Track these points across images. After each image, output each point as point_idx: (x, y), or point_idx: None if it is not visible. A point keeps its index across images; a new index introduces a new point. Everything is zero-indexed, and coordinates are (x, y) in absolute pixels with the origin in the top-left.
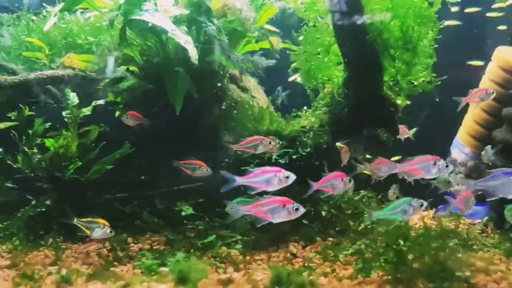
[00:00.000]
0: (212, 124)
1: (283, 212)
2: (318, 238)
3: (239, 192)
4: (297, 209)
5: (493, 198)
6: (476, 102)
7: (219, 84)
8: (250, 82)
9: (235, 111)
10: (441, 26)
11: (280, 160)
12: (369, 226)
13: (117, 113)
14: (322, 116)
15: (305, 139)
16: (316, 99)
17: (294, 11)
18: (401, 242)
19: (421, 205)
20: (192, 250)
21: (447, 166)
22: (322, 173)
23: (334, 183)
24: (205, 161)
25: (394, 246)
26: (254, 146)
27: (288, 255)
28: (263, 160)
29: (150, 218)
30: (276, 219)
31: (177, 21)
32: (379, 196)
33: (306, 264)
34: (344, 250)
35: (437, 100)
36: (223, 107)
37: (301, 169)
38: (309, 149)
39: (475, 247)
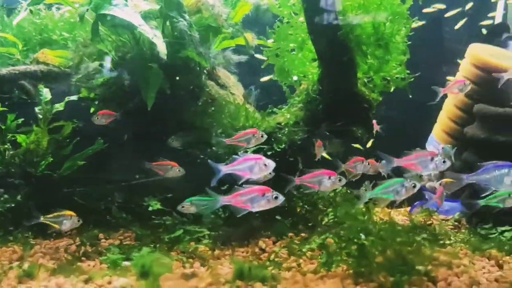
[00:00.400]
0: (188, 120)
1: (262, 201)
2: (290, 234)
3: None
4: (276, 198)
5: (487, 193)
6: (455, 93)
7: (195, 80)
8: (230, 79)
9: (212, 108)
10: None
11: None
12: (331, 220)
13: (92, 109)
14: (297, 112)
15: (280, 135)
16: (292, 96)
17: (269, 7)
18: (362, 236)
19: (414, 186)
20: (159, 245)
21: (444, 161)
22: (298, 169)
23: (321, 180)
24: (180, 157)
25: (355, 240)
26: (247, 140)
27: (257, 250)
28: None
29: (118, 214)
30: (256, 208)
31: (148, 16)
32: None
33: (271, 259)
34: (309, 244)
35: (410, 97)
36: (199, 103)
37: (276, 165)
38: (283, 145)
39: (446, 242)
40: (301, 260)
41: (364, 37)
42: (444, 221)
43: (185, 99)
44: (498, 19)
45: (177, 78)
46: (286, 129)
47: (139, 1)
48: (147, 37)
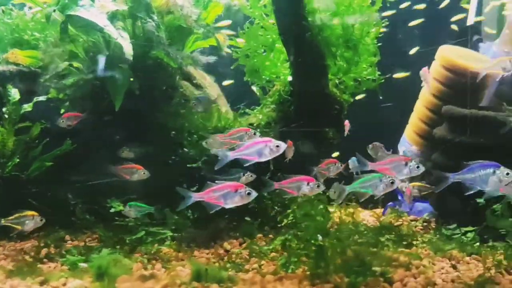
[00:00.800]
0: (160, 121)
1: (235, 197)
2: (259, 235)
3: None
4: (249, 194)
5: (471, 192)
6: None
7: (168, 81)
8: (206, 79)
9: (184, 109)
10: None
11: None
12: (290, 221)
13: (62, 110)
14: (270, 113)
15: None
16: (265, 97)
17: (240, 8)
18: (319, 237)
19: (392, 183)
20: (122, 247)
21: (418, 167)
22: (269, 170)
23: (300, 186)
24: (152, 158)
25: (312, 241)
26: (239, 137)
27: (222, 251)
28: (211, 158)
29: (82, 215)
30: (229, 204)
31: (116, 17)
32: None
33: (233, 260)
34: (269, 246)
35: (381, 97)
36: (172, 104)
37: (247, 166)
38: None
39: (413, 242)
40: (263, 262)
41: (333, 38)
42: (413, 222)
43: (158, 100)
44: (470, 22)
45: (149, 78)
46: (258, 129)
47: (106, 2)
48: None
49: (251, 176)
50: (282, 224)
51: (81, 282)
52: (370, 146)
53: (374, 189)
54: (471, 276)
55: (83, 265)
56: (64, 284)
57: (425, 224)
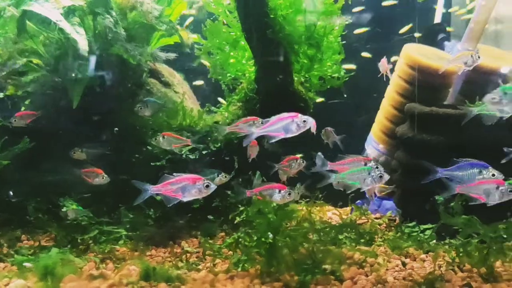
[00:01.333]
0: (123, 118)
1: (193, 189)
2: (222, 234)
3: None
4: (207, 186)
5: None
6: None
7: (133, 78)
8: (175, 77)
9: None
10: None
11: (190, 156)
12: (242, 219)
13: (23, 108)
14: (236, 111)
15: (216, 134)
16: (231, 94)
17: (204, 5)
18: (270, 236)
19: (381, 177)
20: (74, 246)
21: (377, 167)
22: (234, 168)
23: (271, 194)
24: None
25: (263, 240)
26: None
27: (180, 250)
28: (175, 157)
29: (33, 214)
30: (187, 197)
31: (72, 12)
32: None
33: (187, 259)
34: (221, 244)
35: (345, 96)
36: (137, 101)
37: (211, 164)
38: (219, 144)
39: (375, 240)
40: (218, 260)
41: (296, 36)
42: (377, 219)
43: (122, 97)
44: (437, 20)
45: (113, 75)
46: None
47: None
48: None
49: (225, 177)
50: (235, 222)
51: (24, 282)
52: (323, 131)
53: (361, 181)
54: (423, 273)
55: (27, 264)
56: (7, 285)
57: (390, 221)
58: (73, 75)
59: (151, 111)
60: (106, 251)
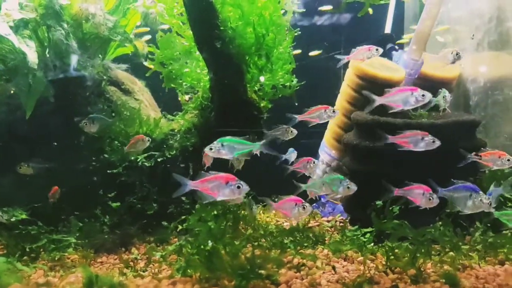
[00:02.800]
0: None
1: (226, 189)
2: (176, 240)
3: None
4: (238, 187)
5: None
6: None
7: (92, 87)
8: (136, 84)
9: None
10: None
11: (145, 163)
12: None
13: None
14: (193, 119)
15: (172, 142)
16: (187, 103)
17: (157, 16)
18: (209, 243)
19: (349, 188)
20: (23, 255)
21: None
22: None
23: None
24: (71, 164)
25: (202, 247)
26: (319, 115)
27: (130, 257)
28: (132, 164)
29: None
30: (221, 197)
31: (22, 25)
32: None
33: (130, 266)
34: (164, 251)
35: (296, 104)
36: (94, 110)
37: (166, 171)
38: (175, 151)
39: (320, 243)
40: (164, 266)
41: (246, 47)
42: (329, 222)
43: (80, 106)
44: (387, 30)
45: (69, 86)
46: (178, 135)
47: (12, 10)
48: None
49: None
50: (178, 230)
51: None
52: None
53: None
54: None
55: None
56: None
57: (341, 225)
58: (26, 86)
59: (97, 127)
60: (56, 258)
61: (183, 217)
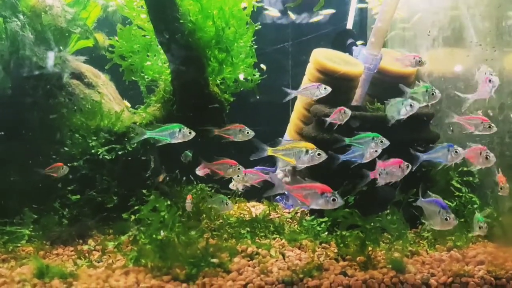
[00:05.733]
0: (41, 119)
1: (320, 200)
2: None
3: None
4: (334, 200)
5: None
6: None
7: (52, 80)
8: (100, 78)
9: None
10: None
11: (106, 156)
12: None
13: None
14: (155, 112)
15: (133, 135)
16: (149, 96)
17: (117, 8)
18: (161, 233)
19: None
20: None
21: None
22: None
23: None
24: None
25: (154, 236)
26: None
27: (86, 248)
28: (92, 157)
29: None
30: (314, 206)
31: None
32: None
33: (84, 256)
34: (117, 241)
35: (258, 97)
36: (55, 103)
37: (128, 164)
38: (136, 144)
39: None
40: (120, 257)
41: (206, 40)
42: (288, 214)
43: (40, 99)
44: (349, 26)
45: (29, 78)
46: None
47: None
48: None
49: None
50: (131, 220)
51: None
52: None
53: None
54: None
55: None
56: None
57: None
58: None
59: None
60: (10, 250)
61: (136, 207)
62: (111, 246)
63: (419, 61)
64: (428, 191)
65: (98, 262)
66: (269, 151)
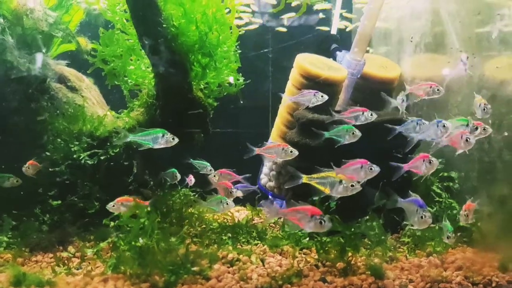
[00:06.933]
0: (23, 123)
1: (311, 222)
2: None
3: None
4: (321, 223)
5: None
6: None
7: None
8: (84, 81)
9: (47, 112)
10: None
11: (88, 161)
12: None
13: None
14: (138, 117)
15: (115, 139)
16: (132, 100)
17: (100, 12)
18: (140, 240)
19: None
20: None
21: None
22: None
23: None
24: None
25: (133, 243)
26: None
27: (66, 255)
28: (74, 162)
29: None
30: (307, 229)
31: None
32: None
33: (62, 264)
34: (97, 247)
35: (242, 102)
36: (37, 107)
37: (110, 170)
38: (118, 149)
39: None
40: (99, 264)
41: (189, 45)
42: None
43: (21, 103)
44: (333, 31)
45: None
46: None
47: None
48: None
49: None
50: (110, 227)
51: None
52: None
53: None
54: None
55: None
56: None
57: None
58: None
59: None
60: None
61: (115, 213)
62: (90, 253)
63: (437, 90)
64: (409, 191)
65: (77, 270)
66: (304, 178)
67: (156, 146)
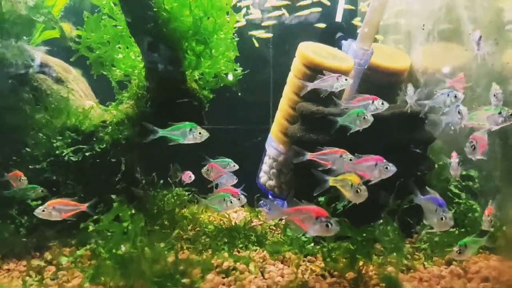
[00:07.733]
0: (2, 116)
1: (316, 225)
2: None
3: None
4: (327, 226)
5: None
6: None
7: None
8: (71, 73)
9: (28, 105)
10: None
11: (72, 158)
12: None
13: None
14: (127, 110)
15: (102, 134)
16: (121, 92)
17: None
18: (122, 248)
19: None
20: None
21: None
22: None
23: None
24: None
25: (114, 251)
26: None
27: (43, 263)
28: (57, 158)
29: None
30: (312, 233)
31: None
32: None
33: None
34: (73, 255)
35: (240, 94)
36: (17, 99)
37: (95, 167)
38: (105, 145)
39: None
40: (78, 273)
41: (182, 31)
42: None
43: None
44: (338, 18)
45: None
46: (110, 127)
47: None
48: None
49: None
50: (89, 231)
51: None
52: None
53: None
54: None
55: None
56: None
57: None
58: None
59: None
60: None
61: (95, 216)
62: (65, 262)
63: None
64: (427, 187)
65: (52, 280)
66: (331, 181)
67: (185, 141)
